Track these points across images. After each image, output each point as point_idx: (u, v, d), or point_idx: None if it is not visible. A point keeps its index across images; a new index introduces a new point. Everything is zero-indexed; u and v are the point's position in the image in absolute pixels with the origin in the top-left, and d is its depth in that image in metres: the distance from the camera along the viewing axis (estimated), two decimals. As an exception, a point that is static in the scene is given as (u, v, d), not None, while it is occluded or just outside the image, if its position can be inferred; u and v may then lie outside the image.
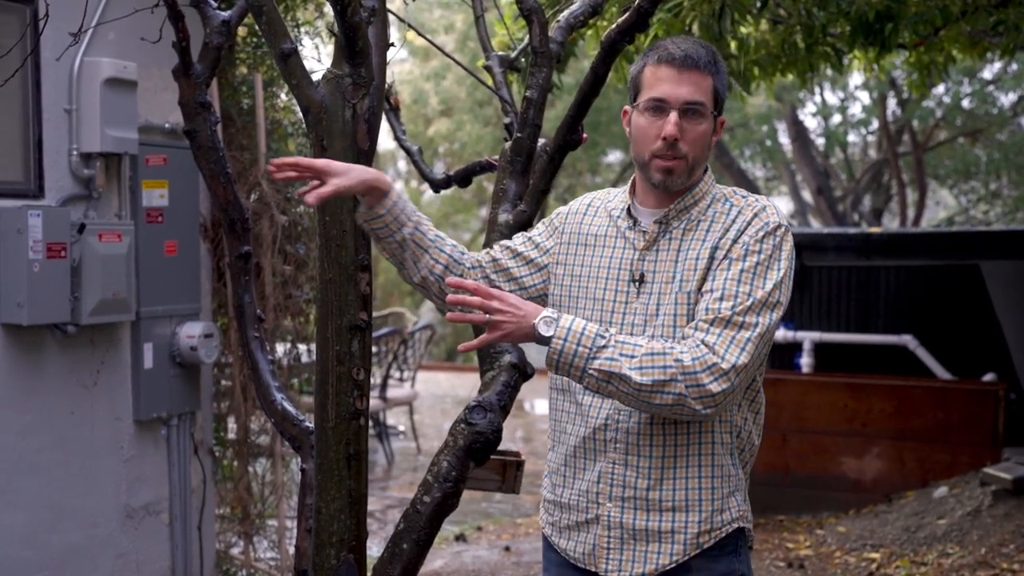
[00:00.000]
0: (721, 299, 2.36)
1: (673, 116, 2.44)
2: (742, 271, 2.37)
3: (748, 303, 2.35)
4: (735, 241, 2.41)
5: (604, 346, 2.32)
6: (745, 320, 2.34)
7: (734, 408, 2.48)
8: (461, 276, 2.71)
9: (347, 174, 2.57)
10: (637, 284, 2.50)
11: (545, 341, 2.33)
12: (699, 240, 2.46)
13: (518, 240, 2.78)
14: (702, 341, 2.33)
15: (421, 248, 2.69)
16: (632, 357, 2.31)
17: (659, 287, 2.47)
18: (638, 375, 2.30)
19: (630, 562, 2.50)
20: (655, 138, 2.46)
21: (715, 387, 2.30)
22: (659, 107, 2.46)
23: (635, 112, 2.52)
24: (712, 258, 2.43)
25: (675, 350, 2.32)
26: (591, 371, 2.32)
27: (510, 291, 2.70)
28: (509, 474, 5.17)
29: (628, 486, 2.48)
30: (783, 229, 2.44)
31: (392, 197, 2.63)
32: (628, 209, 2.57)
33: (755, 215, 2.44)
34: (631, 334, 2.48)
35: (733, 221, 2.45)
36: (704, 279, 2.42)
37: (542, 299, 2.70)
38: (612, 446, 2.50)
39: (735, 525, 2.50)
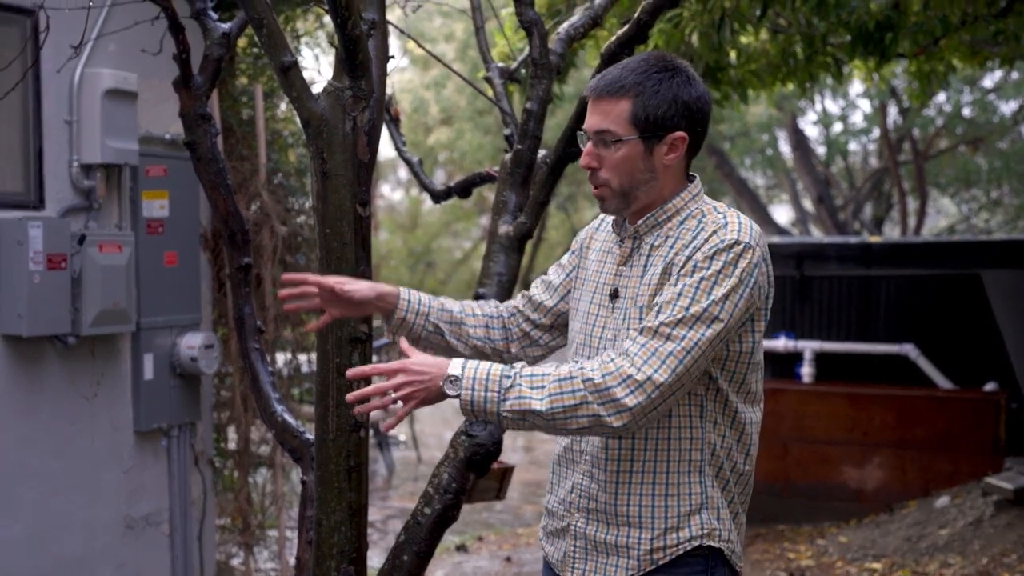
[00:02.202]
0: (659, 312, 2.33)
1: (587, 146, 2.47)
2: (686, 286, 2.33)
3: (680, 316, 2.30)
4: (689, 258, 2.38)
5: (511, 386, 2.29)
6: (672, 332, 2.28)
7: (708, 425, 2.44)
8: (503, 329, 2.79)
9: (358, 283, 2.67)
10: (612, 299, 2.52)
11: (456, 398, 2.34)
12: (662, 257, 2.45)
13: (551, 271, 2.82)
14: (624, 351, 2.30)
15: (455, 323, 2.76)
16: (541, 388, 2.29)
17: (627, 302, 2.48)
18: (548, 404, 2.27)
19: (592, 573, 2.52)
20: (582, 167, 2.52)
21: (630, 400, 2.25)
22: (585, 138, 2.50)
23: None
24: (667, 273, 2.41)
25: (584, 370, 2.28)
26: (504, 413, 2.30)
27: (551, 323, 2.77)
28: (506, 482, 5.26)
29: (592, 498, 2.50)
30: (741, 246, 2.36)
31: (403, 298, 2.71)
32: (614, 225, 2.59)
33: (714, 232, 2.39)
34: (604, 348, 2.49)
35: (694, 238, 2.41)
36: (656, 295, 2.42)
37: None
38: (582, 457, 2.53)
39: (695, 543, 2.44)
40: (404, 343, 2.42)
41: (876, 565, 6.78)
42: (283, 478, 6.34)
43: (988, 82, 17.22)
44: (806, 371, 8.88)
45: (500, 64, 4.22)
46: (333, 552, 2.98)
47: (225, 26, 3.45)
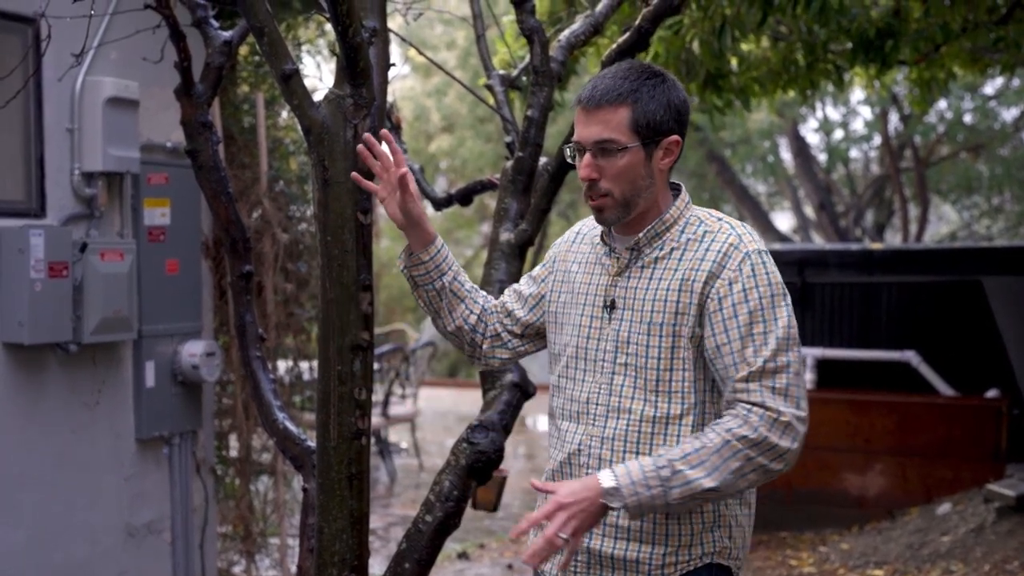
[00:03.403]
0: (743, 349, 2.34)
1: (586, 158, 2.45)
2: (750, 313, 2.36)
3: (773, 347, 2.34)
4: (718, 276, 2.39)
5: (671, 475, 2.29)
6: (777, 365, 2.33)
7: None
8: (486, 326, 2.77)
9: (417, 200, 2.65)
10: (609, 310, 2.50)
11: (622, 508, 2.32)
12: (671, 269, 2.44)
13: (523, 281, 2.81)
14: (751, 404, 2.32)
15: (458, 298, 2.74)
16: (702, 464, 2.29)
17: (630, 314, 2.47)
18: (719, 478, 2.29)
19: None
20: (582, 180, 2.49)
21: (785, 442, 2.31)
22: (579, 149, 2.48)
23: None
24: (688, 291, 2.40)
25: (733, 431, 2.30)
26: (673, 503, 2.31)
27: (521, 332, 2.76)
28: (502, 491, 5.26)
29: None
30: (763, 253, 2.43)
31: (436, 244, 2.69)
32: (603, 236, 2.57)
33: (732, 247, 2.41)
34: (604, 360, 2.48)
35: (707, 251, 2.42)
36: (676, 313, 2.41)
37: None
38: (584, 471, 2.49)
39: (707, 560, 2.45)
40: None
41: (878, 572, 6.77)
42: (284, 486, 6.33)
43: (989, 89, 17.23)
44: (808, 377, 8.88)
45: (501, 72, 4.23)
46: (335, 560, 2.98)
47: (226, 34, 3.45)
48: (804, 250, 9.72)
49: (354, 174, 2.72)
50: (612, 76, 2.47)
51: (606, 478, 2.30)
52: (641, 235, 2.49)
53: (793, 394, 2.33)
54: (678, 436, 2.42)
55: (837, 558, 7.19)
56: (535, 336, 2.77)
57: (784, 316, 2.37)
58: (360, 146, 2.66)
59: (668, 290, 2.43)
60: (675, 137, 2.48)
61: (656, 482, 2.29)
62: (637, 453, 2.43)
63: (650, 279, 2.47)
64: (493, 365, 2.82)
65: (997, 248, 10.34)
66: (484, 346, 2.77)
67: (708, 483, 2.29)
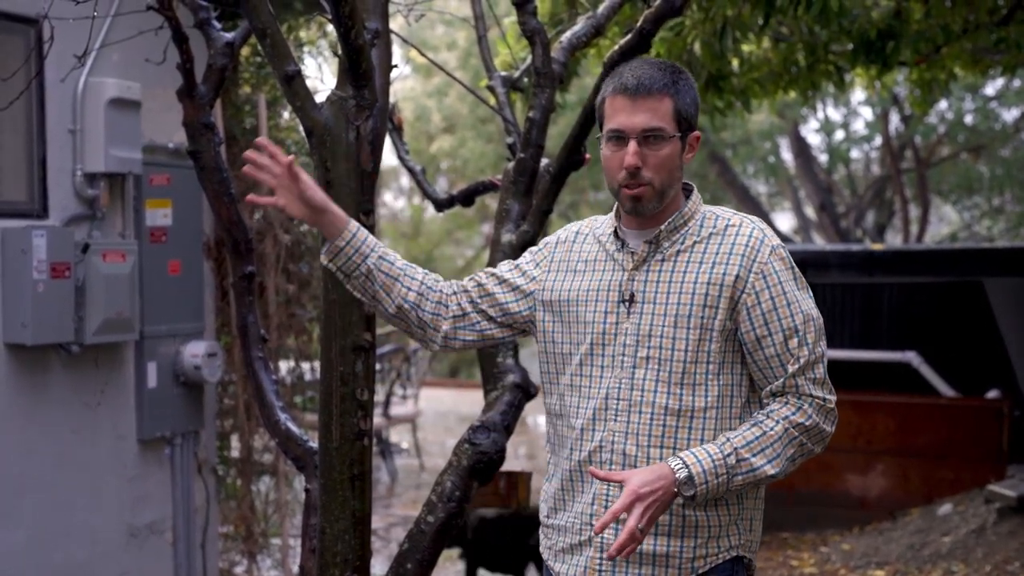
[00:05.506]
0: (786, 341, 2.42)
1: (632, 146, 2.43)
2: (789, 305, 2.43)
3: (813, 336, 2.44)
4: (750, 270, 2.43)
5: (736, 463, 2.37)
6: (816, 355, 2.44)
7: None
8: (437, 303, 2.66)
9: (318, 188, 2.53)
10: (627, 304, 2.49)
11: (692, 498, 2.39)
12: (696, 263, 2.45)
13: (504, 267, 2.73)
14: (802, 395, 2.43)
15: (391, 277, 2.59)
16: (763, 451, 2.39)
17: (652, 307, 2.46)
18: (779, 466, 2.41)
19: None
20: (619, 168, 2.46)
21: (830, 428, 2.46)
22: (619, 137, 2.46)
23: (602, 143, 2.52)
24: (717, 283, 2.42)
25: (790, 419, 2.41)
26: (735, 487, 2.40)
27: (494, 315, 2.67)
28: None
29: None
30: (783, 247, 2.49)
31: (352, 228, 2.56)
32: (615, 231, 2.56)
33: (759, 240, 2.45)
34: (623, 355, 2.47)
35: (733, 244, 2.45)
36: (704, 305, 2.42)
37: (529, 324, 2.67)
38: (608, 468, 2.48)
39: (733, 553, 2.48)
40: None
41: (879, 573, 6.78)
42: (286, 486, 6.34)
43: (990, 90, 17.22)
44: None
45: (503, 73, 4.24)
46: (337, 560, 2.99)
47: (229, 36, 3.46)
48: (805, 251, 9.71)
49: (250, 196, 2.55)
50: (650, 67, 2.48)
51: (678, 467, 2.35)
52: (662, 227, 2.49)
53: (829, 381, 2.46)
54: (702, 429, 2.43)
55: (838, 559, 7.20)
56: (506, 325, 2.68)
57: (814, 307, 2.47)
58: (246, 167, 2.53)
59: (696, 283, 2.44)
60: (698, 133, 2.54)
61: (723, 469, 2.36)
62: (662, 447, 2.43)
63: (672, 272, 2.47)
64: (454, 346, 2.67)
65: (998, 249, 10.35)
66: (444, 327, 2.64)
67: (770, 470, 2.39)
